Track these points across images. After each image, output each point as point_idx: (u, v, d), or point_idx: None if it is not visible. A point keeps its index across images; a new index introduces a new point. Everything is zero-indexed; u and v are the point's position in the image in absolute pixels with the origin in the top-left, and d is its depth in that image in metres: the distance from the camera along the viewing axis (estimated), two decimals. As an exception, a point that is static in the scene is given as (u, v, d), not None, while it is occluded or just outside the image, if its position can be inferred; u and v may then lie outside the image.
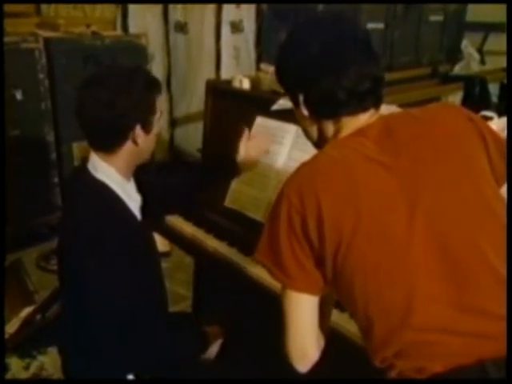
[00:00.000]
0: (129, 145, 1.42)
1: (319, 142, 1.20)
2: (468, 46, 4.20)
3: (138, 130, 1.41)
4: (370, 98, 1.12)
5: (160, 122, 1.50)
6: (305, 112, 1.16)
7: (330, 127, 1.16)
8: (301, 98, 1.15)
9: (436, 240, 1.01)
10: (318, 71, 1.10)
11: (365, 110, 1.12)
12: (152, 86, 1.46)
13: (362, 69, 1.09)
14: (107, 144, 1.42)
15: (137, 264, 1.40)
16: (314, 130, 1.20)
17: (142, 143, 1.43)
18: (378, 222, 1.01)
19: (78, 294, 1.38)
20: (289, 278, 1.08)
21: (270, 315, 1.26)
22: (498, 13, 4.11)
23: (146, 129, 1.43)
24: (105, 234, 1.35)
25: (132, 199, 1.50)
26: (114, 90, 1.37)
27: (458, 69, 4.05)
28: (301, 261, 1.07)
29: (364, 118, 1.13)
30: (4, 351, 1.87)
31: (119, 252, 1.36)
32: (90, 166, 1.45)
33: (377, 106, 1.14)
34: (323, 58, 1.10)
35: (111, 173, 1.44)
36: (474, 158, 1.09)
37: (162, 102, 1.49)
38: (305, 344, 1.12)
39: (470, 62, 4.09)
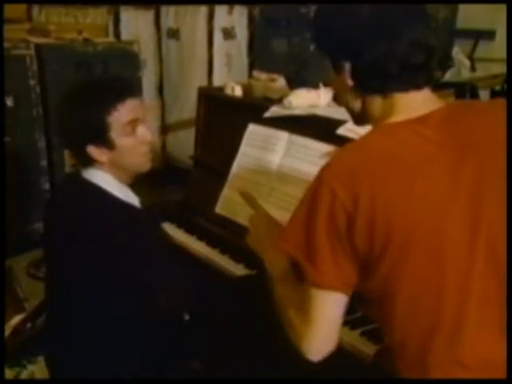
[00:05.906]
0: (100, 159, 1.41)
1: (361, 118, 1.10)
2: (458, 52, 4.22)
3: (92, 149, 1.38)
4: (423, 73, 1.01)
5: (143, 128, 1.43)
6: (349, 82, 1.05)
7: (377, 103, 1.05)
8: (347, 66, 1.03)
9: (494, 266, 0.94)
10: (369, 36, 0.99)
11: (417, 87, 1.02)
12: (100, 102, 1.36)
13: (416, 36, 0.98)
14: (82, 161, 1.45)
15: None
16: (357, 103, 1.08)
17: (115, 156, 1.40)
18: (437, 237, 0.94)
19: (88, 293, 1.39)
20: (321, 273, 0.98)
21: (262, 318, 1.25)
22: (488, 20, 4.14)
23: (107, 146, 1.38)
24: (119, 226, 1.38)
25: (131, 198, 1.50)
26: (63, 117, 1.41)
27: (448, 76, 4.07)
28: (338, 258, 0.98)
29: (418, 99, 1.02)
30: (4, 352, 1.85)
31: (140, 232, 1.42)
32: (84, 173, 1.45)
33: (430, 83, 1.04)
34: (375, 20, 0.99)
35: (107, 177, 1.43)
36: None
37: (132, 107, 1.39)
38: (324, 343, 1.03)
39: (461, 68, 4.10)
